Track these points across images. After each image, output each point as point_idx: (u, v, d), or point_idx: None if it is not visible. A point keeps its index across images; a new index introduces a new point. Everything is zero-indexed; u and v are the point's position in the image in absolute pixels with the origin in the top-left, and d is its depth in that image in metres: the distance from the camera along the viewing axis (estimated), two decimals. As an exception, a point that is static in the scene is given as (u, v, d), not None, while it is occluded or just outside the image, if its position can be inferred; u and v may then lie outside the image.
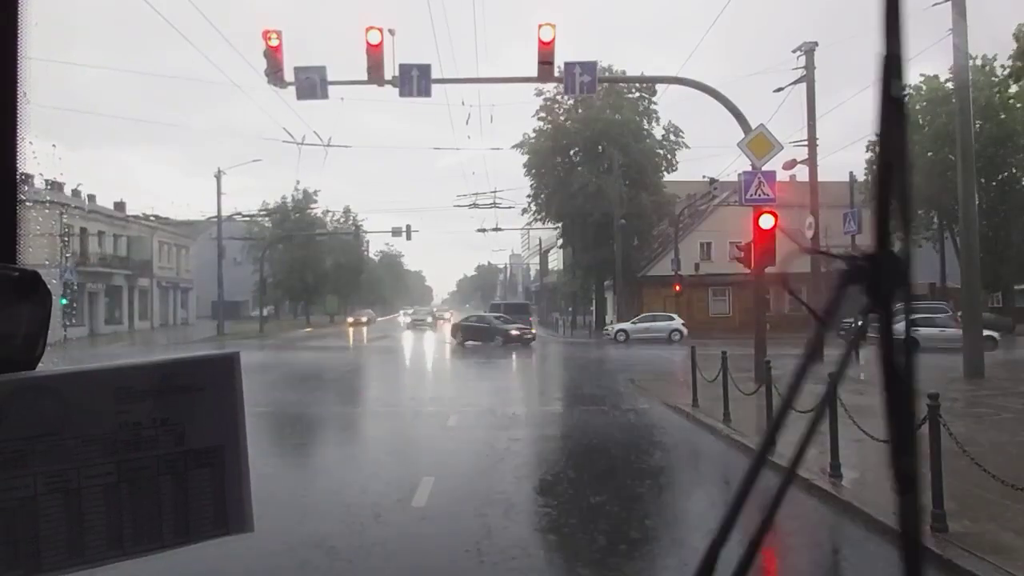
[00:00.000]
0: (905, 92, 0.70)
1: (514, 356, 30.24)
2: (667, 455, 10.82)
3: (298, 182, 62.21)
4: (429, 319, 64.74)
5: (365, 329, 56.68)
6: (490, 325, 36.87)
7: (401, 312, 75.51)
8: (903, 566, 0.70)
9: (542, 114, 46.43)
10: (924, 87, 37.19)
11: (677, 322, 37.73)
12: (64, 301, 30.58)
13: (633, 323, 39.16)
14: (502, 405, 15.17)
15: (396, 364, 28.80)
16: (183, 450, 0.88)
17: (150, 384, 0.86)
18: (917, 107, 37.22)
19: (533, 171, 47.09)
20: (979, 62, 32.83)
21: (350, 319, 63.66)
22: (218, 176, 46.16)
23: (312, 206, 62.94)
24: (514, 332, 35.31)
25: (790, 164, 23.60)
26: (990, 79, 34.42)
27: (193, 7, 17.54)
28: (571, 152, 47.18)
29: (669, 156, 46.86)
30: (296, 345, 37.00)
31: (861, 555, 6.32)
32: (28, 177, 1.02)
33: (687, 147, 46.89)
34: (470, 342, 35.01)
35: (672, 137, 46.83)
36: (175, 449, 0.87)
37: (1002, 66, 33.12)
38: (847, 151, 43.30)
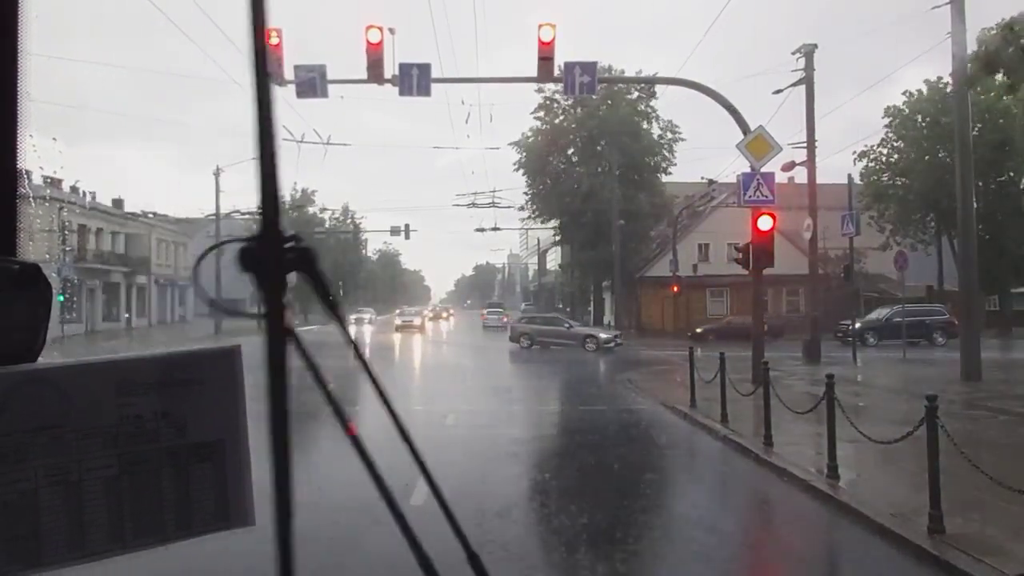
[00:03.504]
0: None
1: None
2: (665, 453, 10.84)
3: (295, 183, 62.01)
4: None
5: None
6: None
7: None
8: None
9: (540, 113, 46.36)
10: (922, 90, 37.23)
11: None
12: (61, 298, 30.43)
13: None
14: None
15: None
16: (185, 443, 0.87)
17: (152, 377, 0.86)
18: (915, 109, 37.27)
19: (529, 170, 47.00)
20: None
21: None
22: (217, 173, 46.07)
23: (309, 206, 62.74)
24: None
25: (789, 166, 23.56)
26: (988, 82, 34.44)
27: (194, 4, 17.53)
28: (569, 152, 47.12)
29: (667, 154, 46.82)
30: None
31: (859, 555, 6.33)
32: (28, 173, 1.02)
33: (683, 139, 46.84)
34: None
35: (669, 134, 46.79)
36: (177, 442, 0.87)
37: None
38: (845, 153, 43.40)
